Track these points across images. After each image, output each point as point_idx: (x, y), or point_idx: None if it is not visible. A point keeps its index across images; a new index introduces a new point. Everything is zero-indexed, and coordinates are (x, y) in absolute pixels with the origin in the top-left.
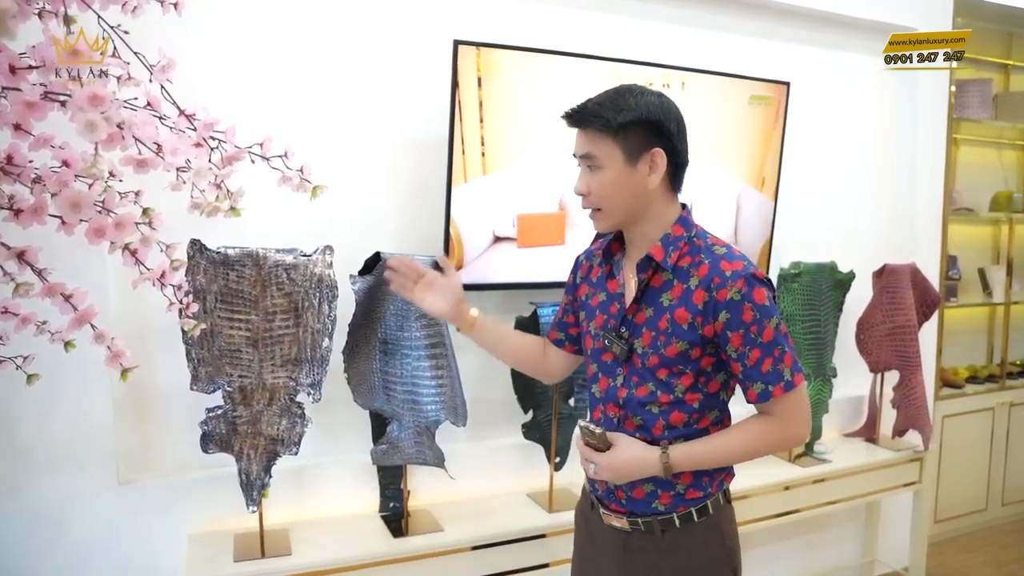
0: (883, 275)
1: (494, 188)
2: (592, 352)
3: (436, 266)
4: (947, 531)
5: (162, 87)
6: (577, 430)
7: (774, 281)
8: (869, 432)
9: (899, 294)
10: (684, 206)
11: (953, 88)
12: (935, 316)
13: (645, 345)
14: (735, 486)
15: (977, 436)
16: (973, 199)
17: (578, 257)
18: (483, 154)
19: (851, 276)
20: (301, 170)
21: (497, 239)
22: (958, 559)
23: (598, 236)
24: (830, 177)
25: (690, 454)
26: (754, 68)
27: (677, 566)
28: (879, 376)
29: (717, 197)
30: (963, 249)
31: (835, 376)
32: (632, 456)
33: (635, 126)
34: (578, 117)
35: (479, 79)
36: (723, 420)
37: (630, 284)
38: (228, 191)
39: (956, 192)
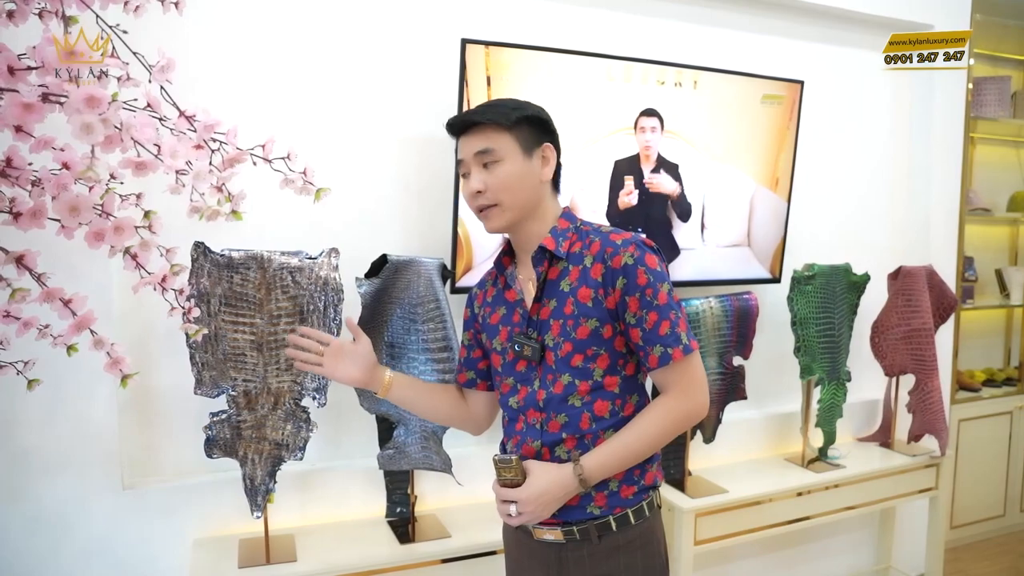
0: (898, 277)
1: None
2: (504, 367)
3: (443, 268)
4: (963, 537)
5: (162, 88)
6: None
7: (788, 284)
8: (884, 437)
9: (915, 296)
10: (566, 207)
11: (970, 86)
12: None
13: (556, 336)
14: (747, 491)
15: (994, 440)
16: (990, 199)
17: (472, 290)
18: None
19: (866, 278)
20: (304, 172)
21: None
22: (975, 566)
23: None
24: (844, 177)
25: (603, 457)
26: (767, 67)
27: (618, 572)
28: (894, 380)
29: (730, 198)
30: (980, 250)
31: (849, 380)
32: (550, 479)
33: (527, 122)
34: (474, 116)
35: (488, 78)
36: (645, 405)
37: (527, 288)
38: (229, 194)
39: (973, 192)
